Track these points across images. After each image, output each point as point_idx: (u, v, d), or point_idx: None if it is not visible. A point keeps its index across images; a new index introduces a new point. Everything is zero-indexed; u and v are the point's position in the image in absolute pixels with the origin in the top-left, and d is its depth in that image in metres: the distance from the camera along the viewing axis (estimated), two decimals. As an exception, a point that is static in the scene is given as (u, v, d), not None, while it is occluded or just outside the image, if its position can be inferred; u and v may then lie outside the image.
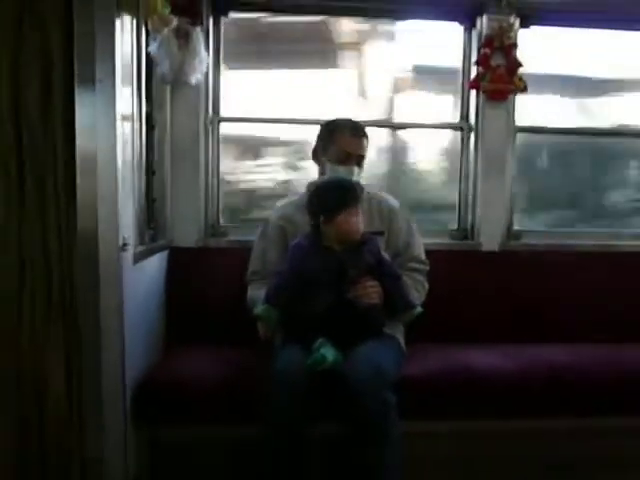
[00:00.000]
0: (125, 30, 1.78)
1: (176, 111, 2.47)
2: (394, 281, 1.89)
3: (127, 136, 1.84)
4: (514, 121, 2.68)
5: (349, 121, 2.12)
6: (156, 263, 2.31)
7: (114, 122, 1.73)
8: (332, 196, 1.86)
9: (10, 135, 1.64)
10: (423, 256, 2.13)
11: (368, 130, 2.15)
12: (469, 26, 2.66)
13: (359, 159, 2.06)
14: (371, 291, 1.83)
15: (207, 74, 2.49)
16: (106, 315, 1.74)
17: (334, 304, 1.80)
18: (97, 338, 1.73)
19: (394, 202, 2.16)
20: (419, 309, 1.90)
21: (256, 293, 2.02)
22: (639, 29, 2.75)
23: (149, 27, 1.93)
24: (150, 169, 2.33)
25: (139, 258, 1.95)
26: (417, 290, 2.03)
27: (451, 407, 2.01)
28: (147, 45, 2.06)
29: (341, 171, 2.03)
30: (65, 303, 1.71)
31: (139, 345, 2.02)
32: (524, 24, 2.63)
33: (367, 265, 1.85)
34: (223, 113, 2.63)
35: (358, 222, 1.84)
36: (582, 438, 2.11)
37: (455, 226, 2.74)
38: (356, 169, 2.05)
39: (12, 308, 1.67)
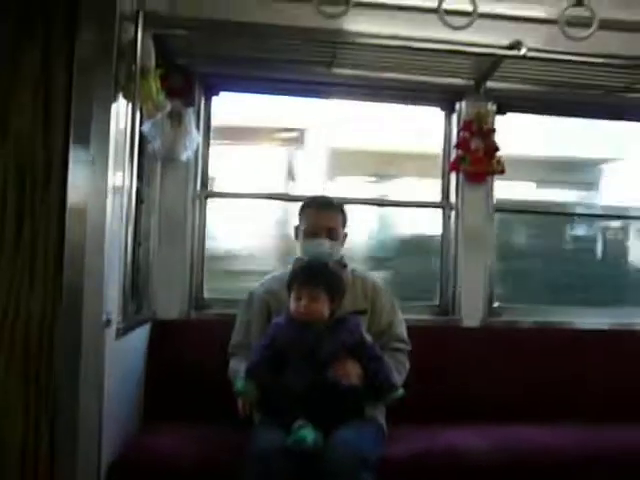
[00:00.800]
0: (120, 112, 1.87)
1: (165, 186, 2.55)
2: (376, 362, 1.88)
3: (117, 211, 1.89)
4: (493, 201, 2.78)
5: (320, 197, 2.19)
6: (139, 336, 2.30)
7: (104, 199, 1.78)
8: (290, 275, 1.92)
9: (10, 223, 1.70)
10: (405, 336, 2.14)
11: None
12: (449, 111, 2.81)
13: (329, 233, 2.07)
14: (351, 372, 1.82)
15: (197, 150, 2.58)
16: (85, 390, 1.73)
17: (311, 383, 1.79)
18: (74, 414, 1.71)
19: (378, 281, 2.20)
20: (401, 391, 1.89)
21: (237, 366, 2.01)
22: (606, 118, 2.92)
23: (144, 111, 2.02)
24: (136, 241, 2.36)
25: (122, 333, 1.95)
26: (398, 371, 2.03)
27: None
28: (141, 123, 2.15)
29: (308, 245, 2.07)
30: (41, 377, 1.70)
31: (117, 420, 1.98)
32: (501, 111, 2.78)
33: (343, 344, 1.85)
34: (211, 188, 2.70)
35: (303, 305, 1.83)
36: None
37: (437, 302, 2.78)
38: (327, 242, 2.05)
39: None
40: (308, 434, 1.72)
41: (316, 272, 1.90)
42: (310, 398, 1.78)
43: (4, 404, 1.69)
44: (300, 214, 2.16)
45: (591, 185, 3.09)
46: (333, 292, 1.88)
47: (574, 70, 2.42)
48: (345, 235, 2.18)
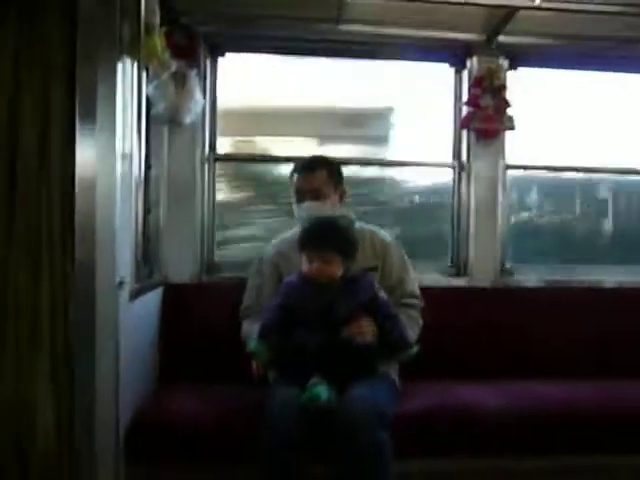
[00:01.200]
0: (126, 74, 1.83)
1: (173, 150, 2.52)
2: (390, 320, 1.89)
3: (125, 176, 1.88)
4: (504, 159, 2.74)
5: (304, 160, 2.19)
6: (151, 300, 2.31)
7: (114, 163, 1.77)
8: (300, 235, 1.92)
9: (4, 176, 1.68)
10: (417, 291, 2.15)
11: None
12: (459, 68, 2.75)
13: (315, 194, 2.07)
14: (365, 330, 1.83)
15: (203, 113, 2.54)
16: (101, 352, 1.75)
17: (325, 341, 1.80)
18: (92, 374, 1.74)
19: (387, 237, 2.19)
20: (415, 348, 1.90)
21: (250, 328, 2.03)
22: (624, 70, 2.84)
23: (149, 71, 1.98)
24: (146, 207, 2.35)
25: (135, 295, 1.96)
26: (412, 327, 2.04)
27: (446, 445, 2.00)
28: (147, 84, 2.11)
29: (298, 210, 2.11)
30: (58, 339, 1.72)
31: (133, 382, 2.01)
32: (512, 66, 2.71)
33: (358, 303, 1.85)
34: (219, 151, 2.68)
35: (316, 267, 1.83)
36: (584, 477, 2.09)
37: (448, 262, 2.77)
38: (312, 205, 2.05)
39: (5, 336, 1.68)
40: (322, 391, 1.73)
41: (326, 233, 1.89)
42: (324, 356, 1.78)
43: (21, 369, 1.71)
44: (290, 179, 2.17)
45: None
46: (345, 252, 1.87)
47: (590, 21, 2.35)
48: (342, 192, 2.17)
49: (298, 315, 1.84)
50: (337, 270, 1.85)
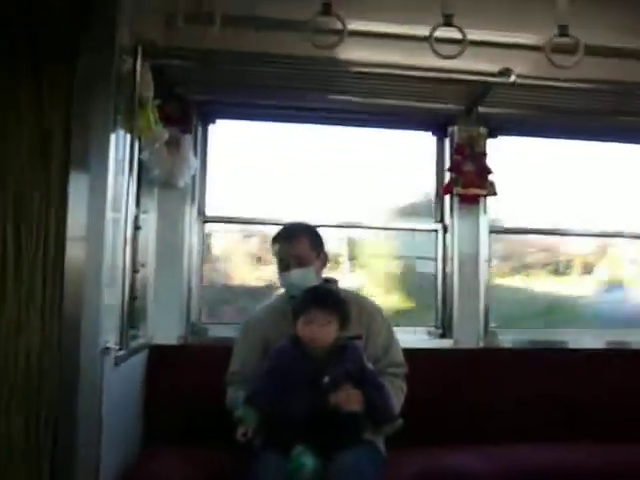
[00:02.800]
0: (119, 142, 1.89)
1: (162, 212, 2.57)
2: (378, 392, 1.88)
3: (115, 238, 1.91)
4: (487, 222, 2.82)
5: (284, 228, 2.20)
6: (136, 362, 2.30)
7: (103, 227, 1.80)
8: (296, 301, 1.93)
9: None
10: (402, 359, 2.14)
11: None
12: (441, 136, 2.86)
13: (298, 261, 2.08)
14: (352, 399, 1.82)
15: (194, 177, 2.61)
16: (84, 418, 1.73)
17: (311, 410, 1.79)
18: (73, 442, 1.71)
19: (373, 304, 2.21)
20: (401, 421, 1.89)
21: (235, 394, 2.01)
22: (597, 139, 2.98)
23: (142, 141, 2.05)
24: (134, 268, 2.37)
25: (120, 360, 1.95)
26: (397, 396, 2.02)
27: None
28: (140, 151, 2.18)
29: (282, 278, 2.12)
30: (41, 407, 1.71)
31: (116, 448, 1.97)
32: (492, 134, 2.83)
33: (345, 372, 1.85)
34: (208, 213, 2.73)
35: (315, 330, 1.84)
36: None
37: (433, 324, 2.80)
38: (296, 273, 2.06)
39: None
40: (308, 460, 1.72)
41: (326, 297, 1.92)
42: (311, 424, 1.77)
43: (5, 432, 1.69)
44: (272, 248, 2.19)
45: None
46: (343, 318, 1.89)
47: (562, 95, 2.49)
48: (325, 256, 2.19)
49: (287, 381, 1.84)
50: (333, 334, 1.87)
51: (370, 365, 1.95)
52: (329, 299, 1.91)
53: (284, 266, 2.10)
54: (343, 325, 1.90)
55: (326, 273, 2.23)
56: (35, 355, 1.71)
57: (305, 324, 1.86)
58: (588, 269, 3.13)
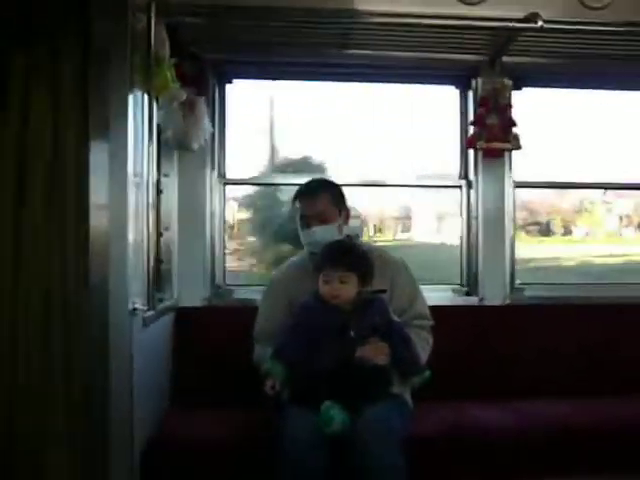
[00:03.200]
0: (137, 103, 1.87)
1: (183, 175, 2.56)
2: (405, 344, 1.89)
3: (138, 202, 1.91)
4: (511, 177, 2.76)
5: (305, 185, 2.17)
6: (164, 324, 2.33)
7: (125, 189, 1.80)
8: (317, 259, 1.93)
9: (14, 199, 1.71)
10: (427, 312, 2.14)
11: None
12: (464, 89, 2.78)
13: (320, 217, 2.06)
14: (379, 352, 1.83)
15: (213, 139, 2.59)
16: (116, 378, 1.77)
17: (340, 363, 1.80)
18: (106, 402, 1.75)
19: (397, 259, 2.19)
20: (428, 373, 1.90)
21: (262, 351, 2.03)
22: (626, 88, 2.87)
23: (159, 100, 2.02)
24: (158, 232, 2.38)
25: (148, 321, 1.98)
26: (423, 349, 2.03)
27: (463, 467, 2.00)
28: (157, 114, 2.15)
29: (304, 235, 2.10)
30: (74, 367, 1.74)
31: (147, 407, 2.02)
32: (517, 86, 2.74)
33: (372, 325, 1.85)
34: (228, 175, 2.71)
35: (334, 288, 1.84)
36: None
37: (458, 281, 2.78)
38: (318, 229, 2.04)
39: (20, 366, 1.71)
40: (336, 414, 1.73)
41: (344, 253, 1.90)
42: (338, 378, 1.79)
43: (38, 393, 1.73)
44: (293, 205, 2.16)
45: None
46: (362, 272, 1.88)
47: (592, 41, 2.38)
48: (347, 212, 2.17)
49: (313, 335, 1.84)
50: (353, 290, 1.86)
51: (396, 318, 1.95)
52: (345, 256, 1.88)
53: (306, 223, 2.09)
54: (364, 280, 1.88)
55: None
56: (63, 316, 1.73)
57: (324, 283, 1.87)
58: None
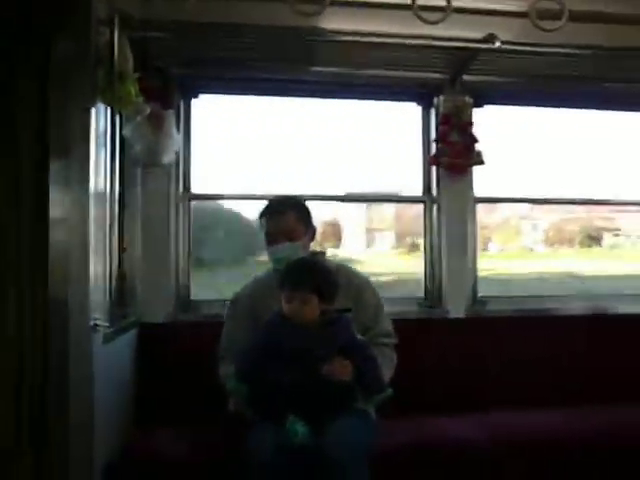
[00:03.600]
0: (100, 118, 1.86)
1: (147, 190, 2.54)
2: (368, 362, 1.88)
3: (100, 217, 1.89)
4: (473, 193, 2.82)
5: (272, 202, 2.18)
6: (126, 340, 2.29)
7: (87, 206, 1.77)
8: (282, 275, 1.92)
9: None
10: (391, 329, 2.15)
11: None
12: (427, 106, 2.84)
13: (287, 235, 2.07)
14: (344, 370, 1.83)
15: (178, 153, 2.58)
16: (75, 396, 1.73)
17: (302, 381, 1.80)
18: (65, 421, 1.71)
19: (362, 276, 2.21)
20: (390, 391, 1.90)
21: (227, 370, 2.02)
22: (583, 107, 2.98)
23: (123, 115, 2.01)
24: (121, 246, 2.36)
25: (109, 338, 1.95)
26: (387, 366, 2.03)
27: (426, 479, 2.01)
28: (121, 128, 2.14)
29: (270, 253, 2.11)
30: (31, 386, 1.70)
31: (108, 425, 1.98)
32: (478, 104, 2.82)
33: (335, 345, 1.85)
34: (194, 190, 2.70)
35: (296, 308, 1.84)
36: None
37: (422, 295, 2.82)
38: (286, 245, 2.05)
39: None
40: (300, 428, 1.74)
41: (304, 273, 1.90)
42: (302, 395, 1.79)
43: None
44: (259, 222, 2.17)
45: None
46: (323, 292, 1.87)
47: (548, 61, 2.47)
48: (313, 230, 2.18)
49: (276, 354, 1.84)
50: (314, 311, 1.86)
51: (359, 336, 1.96)
52: (306, 277, 1.88)
53: (271, 240, 2.09)
54: (326, 300, 1.88)
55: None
56: (23, 334, 1.69)
57: (286, 302, 1.87)
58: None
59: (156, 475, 1.91)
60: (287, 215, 2.10)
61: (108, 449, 1.94)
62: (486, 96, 2.83)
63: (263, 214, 2.14)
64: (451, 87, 2.73)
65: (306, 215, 2.16)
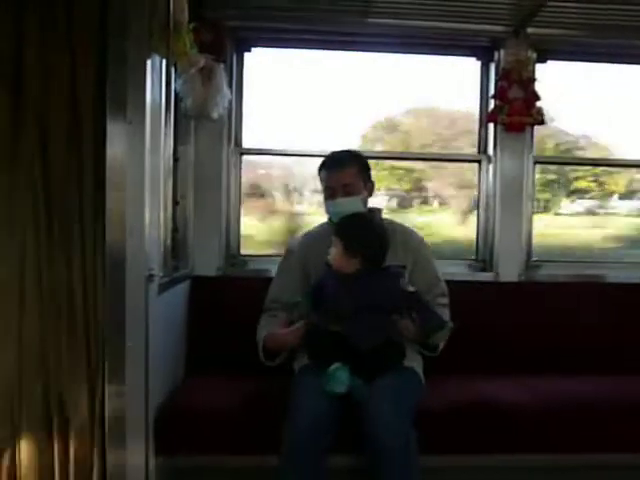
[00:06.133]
0: (155, 69, 1.85)
1: (200, 144, 2.55)
2: (423, 309, 1.87)
3: (154, 169, 1.90)
4: (533, 152, 2.71)
5: (331, 155, 2.15)
6: (179, 292, 2.36)
7: (143, 157, 1.79)
8: (335, 228, 1.94)
9: (36, 167, 1.75)
10: (445, 289, 2.14)
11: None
12: (486, 61, 2.72)
13: (345, 189, 2.05)
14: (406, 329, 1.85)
15: (230, 108, 2.57)
16: (131, 343, 1.79)
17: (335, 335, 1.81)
18: (121, 366, 1.78)
19: (417, 235, 2.18)
20: (450, 324, 1.90)
21: (267, 322, 2.08)
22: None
23: (178, 67, 2.01)
24: (174, 200, 2.39)
25: (163, 288, 2.00)
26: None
27: (473, 441, 2.01)
28: (175, 81, 2.14)
29: (328, 206, 2.09)
30: (91, 331, 1.78)
31: (162, 373, 2.05)
32: (541, 59, 2.67)
33: (367, 300, 1.83)
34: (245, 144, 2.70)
35: (335, 256, 1.86)
36: (614, 474, 2.09)
37: (473, 257, 2.76)
38: (342, 200, 2.03)
39: (41, 334, 1.75)
40: (342, 375, 1.74)
41: (355, 233, 1.89)
42: (342, 344, 1.79)
43: (55, 356, 1.77)
44: (318, 176, 2.15)
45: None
46: (368, 256, 1.86)
47: (618, 12, 2.30)
48: (372, 185, 2.15)
49: (322, 301, 1.86)
50: (348, 264, 1.86)
51: (411, 288, 1.93)
52: (354, 236, 1.87)
53: (330, 194, 2.07)
54: (369, 261, 1.86)
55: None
56: (82, 281, 1.76)
57: (331, 253, 1.88)
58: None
59: (205, 426, 1.97)
60: (347, 169, 2.07)
61: (161, 397, 2.01)
62: (551, 51, 2.68)
63: (322, 167, 2.12)
64: (513, 40, 2.58)
65: (365, 170, 2.13)
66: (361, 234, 1.89)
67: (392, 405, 1.73)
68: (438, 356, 1.97)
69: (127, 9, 1.74)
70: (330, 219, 2.13)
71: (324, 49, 2.72)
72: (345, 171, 2.07)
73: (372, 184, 2.16)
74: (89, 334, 1.78)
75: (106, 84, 1.74)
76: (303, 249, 2.15)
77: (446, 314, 2.06)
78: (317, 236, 2.14)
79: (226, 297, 2.49)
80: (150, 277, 1.82)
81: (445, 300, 2.11)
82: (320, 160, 2.16)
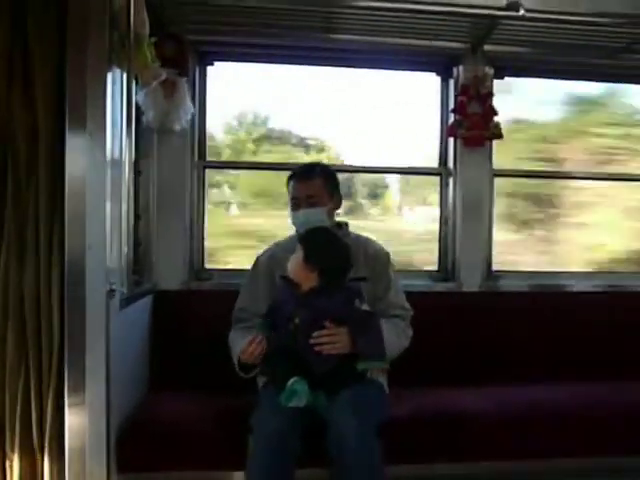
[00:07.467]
0: (116, 82, 1.84)
1: (162, 157, 2.54)
2: (368, 332, 1.88)
3: (115, 182, 1.88)
4: (492, 166, 2.78)
5: (300, 167, 2.20)
6: (141, 307, 2.32)
7: (103, 169, 1.78)
8: (298, 239, 1.96)
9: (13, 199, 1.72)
10: (406, 303, 2.15)
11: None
12: (446, 76, 2.78)
13: (309, 201, 2.08)
14: (335, 339, 1.83)
15: (193, 121, 2.56)
16: (92, 361, 1.76)
17: (291, 347, 1.82)
18: (82, 381, 1.75)
19: (380, 248, 2.20)
20: (385, 365, 1.93)
21: (237, 334, 2.05)
22: (608, 80, 2.90)
23: (139, 80, 2.00)
24: (136, 214, 2.36)
25: (126, 303, 1.97)
26: (398, 336, 2.03)
27: (437, 450, 2.03)
28: (136, 93, 2.12)
29: (293, 217, 2.12)
30: (48, 349, 1.74)
31: (124, 389, 2.02)
32: (498, 75, 2.75)
33: (326, 313, 1.84)
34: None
35: (294, 264, 1.89)
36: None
37: (435, 267, 2.81)
38: (303, 212, 2.07)
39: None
40: (299, 387, 1.74)
41: (313, 241, 1.91)
42: (296, 359, 1.80)
43: (12, 378, 1.72)
44: (287, 187, 2.18)
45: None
46: (321, 265, 1.87)
47: (572, 31, 2.40)
48: (339, 198, 2.18)
49: (278, 316, 1.88)
50: (307, 279, 1.87)
51: (365, 307, 1.94)
52: (314, 247, 1.89)
53: (296, 205, 2.10)
54: (322, 273, 1.87)
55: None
56: (40, 298, 1.72)
57: (290, 262, 1.90)
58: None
59: (169, 442, 1.94)
60: (314, 180, 2.11)
61: (122, 413, 1.97)
62: (508, 67, 2.77)
63: (291, 178, 2.16)
64: (472, 57, 2.66)
65: (332, 183, 2.16)
66: (323, 248, 1.90)
67: (355, 417, 1.73)
68: (400, 366, 1.97)
69: (87, 22, 1.73)
70: (296, 230, 2.14)
71: (287, 63, 2.74)
72: (310, 183, 2.10)
73: (339, 197, 2.18)
74: (41, 348, 1.74)
75: (65, 97, 1.72)
76: (271, 259, 2.16)
77: (400, 326, 2.07)
78: (285, 247, 2.15)
79: (190, 311, 2.47)
80: (111, 292, 1.79)
81: (402, 312, 2.12)
82: (287, 173, 2.19)
